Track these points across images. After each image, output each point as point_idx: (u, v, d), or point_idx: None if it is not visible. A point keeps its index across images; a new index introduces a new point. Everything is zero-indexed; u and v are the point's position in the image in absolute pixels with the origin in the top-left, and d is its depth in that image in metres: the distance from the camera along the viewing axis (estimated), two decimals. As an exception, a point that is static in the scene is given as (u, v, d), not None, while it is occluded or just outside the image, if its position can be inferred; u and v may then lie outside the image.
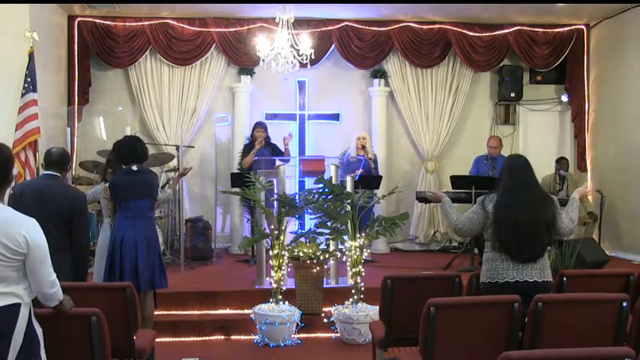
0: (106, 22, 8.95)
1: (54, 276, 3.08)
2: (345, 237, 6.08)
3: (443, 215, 4.36)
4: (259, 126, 8.16)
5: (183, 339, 5.97)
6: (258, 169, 6.99)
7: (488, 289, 4.01)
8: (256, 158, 7.77)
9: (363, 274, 6.00)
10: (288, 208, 6.07)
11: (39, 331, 3.06)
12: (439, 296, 3.63)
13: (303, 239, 6.32)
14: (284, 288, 6.07)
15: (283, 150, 8.13)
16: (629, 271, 4.49)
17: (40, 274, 3.00)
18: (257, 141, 7.98)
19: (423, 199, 8.38)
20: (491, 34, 9.40)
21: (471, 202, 7.45)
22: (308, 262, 6.14)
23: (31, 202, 4.34)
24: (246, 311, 6.12)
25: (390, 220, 6.01)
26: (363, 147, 8.29)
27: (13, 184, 3.22)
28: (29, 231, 2.95)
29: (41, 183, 4.68)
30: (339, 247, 6.49)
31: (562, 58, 9.59)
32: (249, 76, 9.31)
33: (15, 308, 2.91)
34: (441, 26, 9.33)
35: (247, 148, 8.20)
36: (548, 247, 4.05)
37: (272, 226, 6.12)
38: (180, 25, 9.04)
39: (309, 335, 6.02)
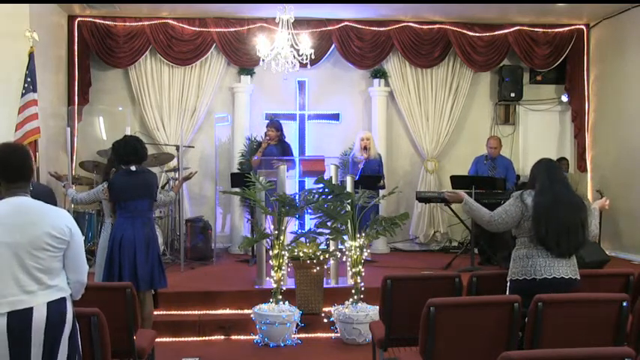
0: (106, 22, 8.95)
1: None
2: (345, 237, 6.08)
3: (469, 212, 4.37)
4: (270, 125, 8.14)
5: (183, 339, 5.97)
6: (259, 169, 6.99)
7: (521, 287, 4.01)
8: (256, 157, 7.77)
9: (363, 274, 6.00)
10: (288, 208, 6.07)
11: (77, 325, 3.13)
12: (439, 296, 3.63)
13: (303, 239, 6.32)
14: (284, 288, 6.07)
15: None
16: (629, 271, 4.49)
17: (81, 262, 3.09)
18: (264, 139, 7.97)
19: (423, 199, 8.38)
20: (491, 34, 9.40)
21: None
22: (308, 262, 6.14)
23: None
24: (246, 311, 6.12)
25: (390, 220, 6.02)
26: (365, 148, 8.29)
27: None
28: (69, 220, 3.05)
29: None
30: (339, 247, 6.49)
31: (562, 58, 9.58)
32: (249, 76, 9.31)
33: (63, 302, 2.98)
34: (441, 26, 9.33)
35: (255, 147, 8.17)
36: (582, 245, 4.09)
37: (272, 226, 6.12)
38: (180, 25, 9.04)
39: (309, 335, 6.02)
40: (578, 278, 4.07)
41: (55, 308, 2.93)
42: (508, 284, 4.13)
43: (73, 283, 3.07)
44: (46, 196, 4.48)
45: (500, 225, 4.20)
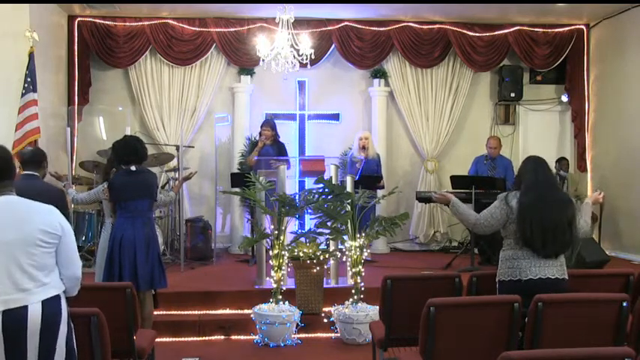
0: (106, 22, 8.96)
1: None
2: (345, 237, 6.08)
3: (456, 214, 4.35)
4: (265, 124, 8.13)
5: (183, 339, 5.97)
6: (258, 169, 6.99)
7: (507, 288, 4.00)
8: (256, 158, 7.77)
9: (363, 274, 6.00)
10: (288, 208, 6.07)
11: (71, 324, 3.11)
12: (439, 296, 3.63)
13: (303, 239, 6.32)
14: (284, 288, 6.07)
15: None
16: (629, 271, 4.48)
17: (74, 257, 3.09)
18: (260, 139, 7.97)
19: (423, 199, 8.38)
20: (491, 34, 9.40)
21: (471, 202, 7.47)
22: (308, 262, 6.14)
23: None
24: (246, 311, 6.12)
25: (390, 220, 6.01)
26: (364, 147, 8.30)
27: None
28: (59, 215, 3.06)
29: (20, 184, 4.64)
30: (339, 247, 6.49)
31: (562, 58, 9.59)
32: (249, 76, 9.31)
33: (57, 299, 2.97)
34: (441, 26, 9.33)
35: (252, 146, 8.19)
36: (570, 245, 4.06)
37: (272, 226, 6.12)
38: (180, 25, 9.04)
39: (309, 335, 6.02)
40: (566, 278, 4.02)
41: (50, 306, 2.92)
42: (497, 285, 4.12)
43: (67, 278, 3.06)
44: (56, 197, 4.52)
45: (486, 228, 4.18)
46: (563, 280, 3.99)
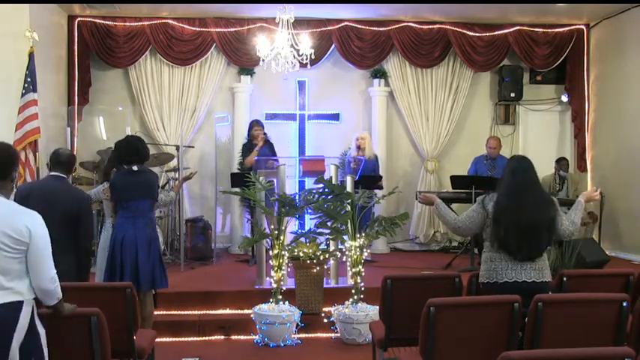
0: (106, 22, 8.96)
1: (54, 272, 3.06)
2: (345, 237, 6.08)
3: (438, 217, 4.36)
4: (257, 124, 8.14)
5: (183, 339, 5.97)
6: (258, 169, 6.99)
7: (487, 289, 4.03)
8: (256, 158, 7.78)
9: (363, 274, 6.00)
10: (288, 208, 6.07)
11: (41, 330, 3.04)
12: (439, 296, 3.63)
13: (303, 239, 6.32)
14: (284, 288, 6.07)
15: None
16: (629, 271, 4.48)
17: (41, 267, 2.98)
18: (258, 139, 7.97)
19: (423, 199, 8.38)
20: (491, 34, 9.40)
21: (471, 202, 7.45)
22: (308, 262, 6.15)
23: (38, 203, 4.27)
24: (246, 311, 6.12)
25: (390, 220, 6.01)
26: (359, 147, 8.31)
27: (15, 183, 3.24)
28: (31, 222, 2.97)
29: (48, 184, 4.66)
30: (339, 247, 6.50)
31: (562, 58, 9.59)
32: (249, 76, 9.31)
33: (16, 306, 2.89)
34: (441, 26, 9.33)
35: (247, 148, 8.20)
36: (548, 248, 4.06)
37: (272, 226, 6.13)
38: (180, 25, 9.04)
39: (309, 335, 6.02)
40: (545, 280, 3.98)
41: (5, 311, 2.85)
42: (480, 286, 4.12)
43: (35, 287, 2.99)
44: (80, 200, 4.56)
45: (465, 231, 4.20)
46: (542, 283, 3.96)
